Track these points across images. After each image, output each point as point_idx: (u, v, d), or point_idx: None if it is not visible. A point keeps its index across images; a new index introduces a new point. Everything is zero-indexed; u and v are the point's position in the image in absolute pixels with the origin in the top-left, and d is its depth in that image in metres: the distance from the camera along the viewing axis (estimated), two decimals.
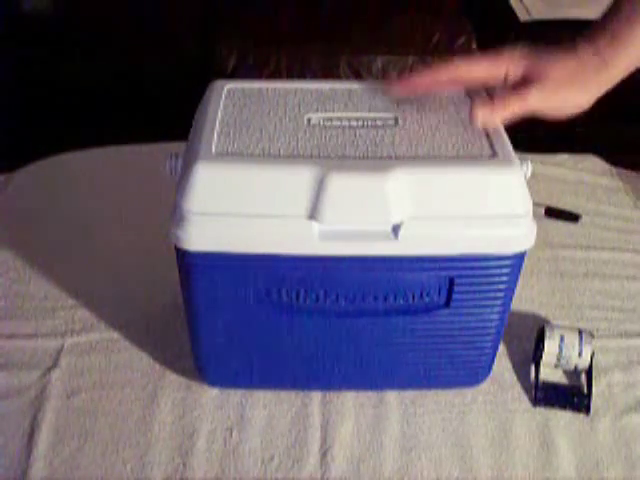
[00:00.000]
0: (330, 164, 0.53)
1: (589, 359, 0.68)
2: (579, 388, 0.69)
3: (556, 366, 0.70)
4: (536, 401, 0.68)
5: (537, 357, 0.70)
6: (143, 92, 1.72)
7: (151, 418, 0.66)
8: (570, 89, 0.59)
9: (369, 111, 0.60)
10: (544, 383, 0.69)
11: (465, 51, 1.70)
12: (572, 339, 0.68)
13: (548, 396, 0.68)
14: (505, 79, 0.60)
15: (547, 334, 0.69)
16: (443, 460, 0.63)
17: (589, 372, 0.69)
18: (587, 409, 0.67)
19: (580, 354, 0.68)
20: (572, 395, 0.68)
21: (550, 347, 0.69)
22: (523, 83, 0.58)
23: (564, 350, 0.68)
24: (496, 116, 0.57)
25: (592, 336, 0.69)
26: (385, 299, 0.59)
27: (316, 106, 0.61)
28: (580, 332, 0.69)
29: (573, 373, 0.71)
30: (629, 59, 0.60)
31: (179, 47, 1.73)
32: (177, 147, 0.59)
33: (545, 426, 0.66)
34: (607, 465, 0.63)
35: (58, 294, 0.79)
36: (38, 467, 0.61)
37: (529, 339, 0.73)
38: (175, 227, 0.54)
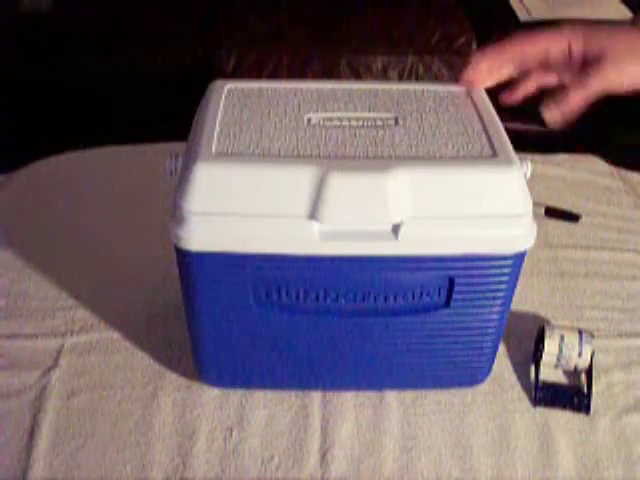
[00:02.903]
0: (330, 164, 0.53)
1: (589, 359, 0.68)
2: (579, 388, 0.69)
3: (556, 366, 0.70)
4: (536, 401, 0.68)
5: (537, 357, 0.70)
6: (143, 92, 1.72)
7: (151, 418, 0.66)
8: (634, 60, 0.57)
9: (369, 111, 0.60)
10: (544, 383, 0.69)
11: (465, 51, 1.70)
12: (572, 339, 0.68)
13: (548, 396, 0.68)
14: (569, 54, 0.58)
15: (547, 334, 0.69)
16: (443, 460, 0.63)
17: (589, 372, 0.69)
18: (587, 409, 0.67)
19: (580, 354, 0.68)
20: (572, 395, 0.68)
21: (550, 347, 0.69)
22: (582, 67, 0.58)
23: (564, 350, 0.68)
24: (563, 115, 0.58)
25: (592, 336, 0.69)
26: (385, 299, 0.59)
27: (316, 106, 0.61)
28: (580, 332, 0.69)
29: (573, 373, 0.71)
30: None
31: (179, 47, 1.73)
32: (177, 147, 0.59)
33: (545, 426, 0.66)
34: (607, 465, 0.63)
35: (58, 294, 0.79)
36: (38, 467, 0.61)
37: (529, 339, 0.73)
38: (175, 227, 0.54)
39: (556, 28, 0.58)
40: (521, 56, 0.60)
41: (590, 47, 0.57)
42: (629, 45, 0.57)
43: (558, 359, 0.69)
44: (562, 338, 0.68)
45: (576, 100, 0.58)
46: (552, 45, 0.59)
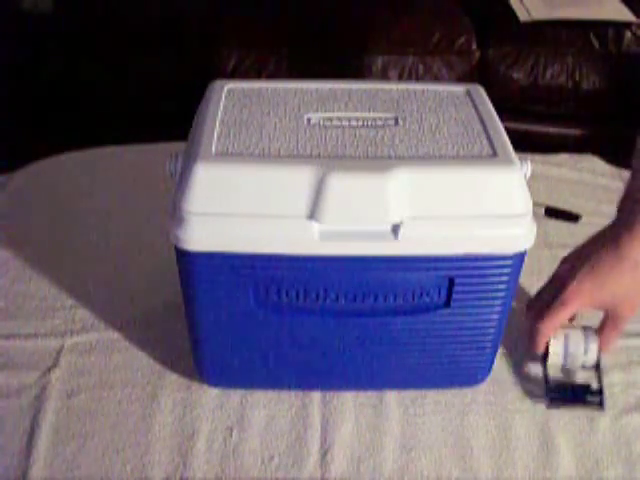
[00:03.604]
0: (330, 164, 0.53)
1: (595, 356, 0.68)
2: (589, 385, 0.69)
3: (563, 365, 0.70)
4: (551, 403, 0.67)
5: (544, 358, 0.70)
6: (143, 92, 1.72)
7: (151, 418, 0.66)
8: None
9: (369, 111, 0.60)
10: (554, 383, 0.69)
11: (465, 51, 1.70)
12: (577, 337, 0.68)
13: (561, 396, 0.68)
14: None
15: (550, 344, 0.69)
16: (443, 460, 0.63)
17: (598, 367, 0.69)
18: (601, 404, 0.67)
19: (586, 351, 0.68)
20: (584, 392, 0.68)
21: (555, 347, 0.68)
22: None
23: (570, 348, 0.68)
24: (549, 327, 0.67)
25: (596, 332, 0.69)
26: (385, 299, 0.59)
27: (316, 106, 0.61)
28: (584, 329, 0.69)
29: (581, 371, 0.71)
30: None
31: (179, 47, 1.73)
32: (177, 147, 0.59)
33: (545, 426, 0.66)
34: (607, 465, 0.63)
35: (58, 294, 0.78)
36: (38, 467, 0.61)
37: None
38: (175, 227, 0.54)
39: (565, 301, 0.66)
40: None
41: (602, 306, 0.67)
42: (634, 293, 0.66)
43: (564, 358, 0.69)
44: (567, 337, 0.68)
45: (558, 317, 0.67)
46: (572, 313, 0.68)
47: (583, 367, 0.70)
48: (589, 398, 0.67)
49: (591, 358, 0.68)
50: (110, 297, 0.78)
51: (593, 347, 0.68)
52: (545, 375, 0.69)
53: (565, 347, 0.68)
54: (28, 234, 0.87)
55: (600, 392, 0.68)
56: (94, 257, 0.83)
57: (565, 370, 0.71)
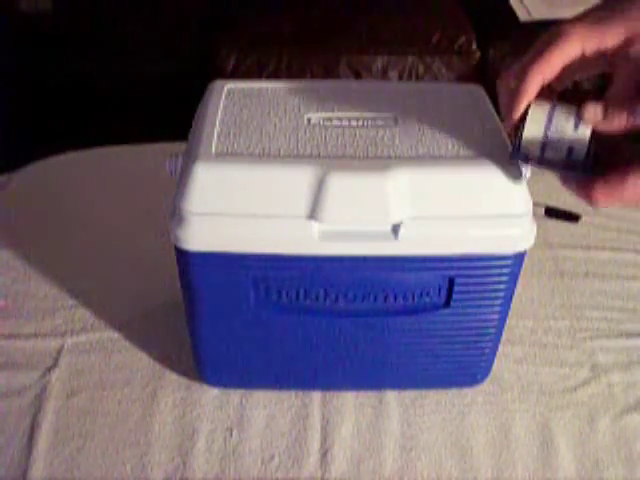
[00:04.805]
0: (330, 164, 0.53)
1: (588, 133, 0.50)
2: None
3: (542, 142, 0.51)
4: (515, 154, 0.51)
5: (516, 130, 0.51)
6: (143, 92, 1.72)
7: (151, 418, 0.66)
8: None
9: (369, 111, 0.60)
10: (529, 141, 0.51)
11: (465, 51, 1.70)
12: (565, 108, 0.50)
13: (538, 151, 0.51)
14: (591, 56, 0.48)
15: (532, 107, 0.51)
16: (443, 460, 0.63)
17: (588, 153, 0.51)
18: (586, 169, 0.51)
19: (576, 126, 0.50)
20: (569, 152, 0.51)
21: (536, 113, 0.50)
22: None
23: (555, 117, 0.50)
24: (534, 73, 0.49)
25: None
26: (385, 299, 0.59)
27: (316, 106, 0.61)
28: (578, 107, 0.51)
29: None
30: None
31: (179, 47, 1.73)
32: (177, 147, 0.59)
33: (545, 426, 0.66)
34: (607, 465, 0.63)
35: (58, 294, 0.79)
36: (38, 467, 0.61)
37: (529, 339, 0.73)
38: (175, 227, 0.54)
39: (558, 36, 0.49)
40: (544, 81, 0.51)
41: (612, 42, 0.48)
42: None
43: (546, 129, 0.50)
44: (553, 106, 0.50)
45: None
46: (567, 58, 0.49)
47: (569, 152, 0.51)
48: (573, 157, 0.50)
49: (582, 135, 0.50)
50: (110, 297, 0.78)
51: (585, 127, 0.50)
52: (517, 136, 0.51)
53: (549, 115, 0.50)
54: (28, 234, 0.87)
55: (588, 155, 0.50)
56: (94, 257, 0.83)
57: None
